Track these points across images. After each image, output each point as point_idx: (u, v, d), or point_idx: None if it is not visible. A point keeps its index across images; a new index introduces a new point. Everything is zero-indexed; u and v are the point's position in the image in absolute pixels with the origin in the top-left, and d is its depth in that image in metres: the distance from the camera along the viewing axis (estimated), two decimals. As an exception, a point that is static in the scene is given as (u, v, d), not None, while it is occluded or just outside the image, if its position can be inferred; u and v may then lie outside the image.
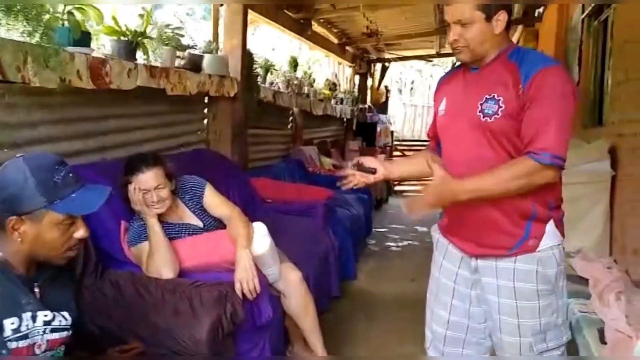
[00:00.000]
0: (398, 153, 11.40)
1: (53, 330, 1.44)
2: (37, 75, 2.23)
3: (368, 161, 2.01)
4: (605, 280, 2.87)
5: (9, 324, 1.33)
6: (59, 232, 1.43)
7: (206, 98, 4.35)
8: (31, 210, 1.37)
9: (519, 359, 1.81)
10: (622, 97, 3.50)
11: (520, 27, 7.72)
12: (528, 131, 1.67)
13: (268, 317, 2.41)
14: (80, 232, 1.48)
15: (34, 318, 1.39)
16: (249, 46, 4.66)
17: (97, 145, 3.07)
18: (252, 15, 4.77)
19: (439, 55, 9.75)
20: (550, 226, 1.77)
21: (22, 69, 2.17)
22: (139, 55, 3.10)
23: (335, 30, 7.65)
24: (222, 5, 4.45)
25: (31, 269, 1.46)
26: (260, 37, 6.58)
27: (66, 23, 2.47)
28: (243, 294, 2.31)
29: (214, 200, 2.65)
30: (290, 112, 6.66)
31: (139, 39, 3.02)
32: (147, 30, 3.11)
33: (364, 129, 9.61)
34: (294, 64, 6.39)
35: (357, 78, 9.87)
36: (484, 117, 1.72)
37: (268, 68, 5.38)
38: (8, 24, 2.14)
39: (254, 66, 4.84)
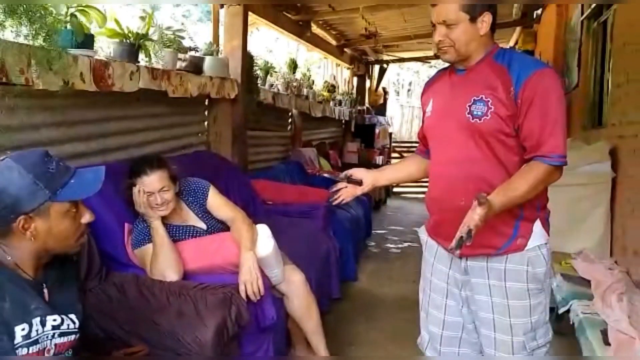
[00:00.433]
0: (396, 154, 11.43)
1: (61, 335, 1.43)
2: (40, 77, 2.23)
3: (357, 173, 2.08)
4: (607, 281, 2.88)
5: (20, 330, 1.33)
6: (68, 221, 1.43)
7: (207, 100, 4.35)
8: (37, 205, 1.36)
9: (515, 359, 1.83)
10: (622, 99, 3.51)
11: (518, 29, 7.75)
12: (532, 134, 1.70)
13: (272, 319, 2.41)
14: (87, 217, 1.49)
15: (43, 323, 1.38)
16: (248, 48, 4.66)
17: (99, 148, 3.07)
18: (251, 17, 4.77)
19: (437, 56, 9.74)
20: (538, 226, 1.80)
21: (25, 71, 2.17)
22: (141, 58, 3.10)
23: (334, 32, 7.65)
24: (222, 7, 4.45)
25: (39, 271, 1.46)
26: (258, 39, 6.57)
27: (69, 25, 2.46)
28: (247, 296, 2.31)
29: (217, 203, 2.65)
30: (290, 113, 6.66)
31: (141, 41, 3.02)
32: (149, 33, 3.11)
33: (363, 131, 9.61)
34: (293, 65, 6.39)
35: (355, 80, 9.87)
36: (472, 119, 1.74)
37: (268, 70, 5.38)
38: (12, 26, 2.13)
39: (254, 68, 4.84)
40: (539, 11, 6.96)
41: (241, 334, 2.31)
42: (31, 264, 1.42)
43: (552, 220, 1.87)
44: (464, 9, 1.71)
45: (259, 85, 4.99)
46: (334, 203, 2.10)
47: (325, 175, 6.19)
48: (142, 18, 3.14)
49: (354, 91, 9.64)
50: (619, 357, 2.20)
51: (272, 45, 7.99)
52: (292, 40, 6.64)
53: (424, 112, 1.97)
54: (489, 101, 1.72)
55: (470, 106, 1.74)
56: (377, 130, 9.83)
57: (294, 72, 6.37)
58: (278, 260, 2.60)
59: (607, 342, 2.30)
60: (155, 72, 3.14)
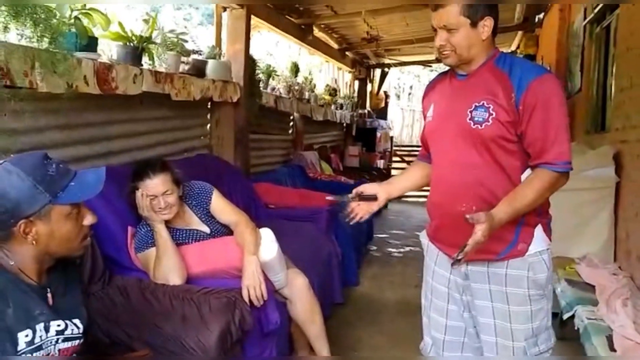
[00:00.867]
0: (397, 158, 11.43)
1: (65, 340, 1.42)
2: (44, 80, 2.22)
3: (368, 189, 2.02)
4: (612, 286, 2.87)
5: (23, 336, 1.31)
6: (71, 224, 1.42)
7: (209, 103, 4.35)
8: (37, 209, 1.35)
9: None
10: (626, 103, 3.51)
11: (520, 33, 7.75)
12: (536, 141, 1.69)
13: (275, 323, 2.40)
14: (89, 218, 1.47)
15: (47, 329, 1.37)
16: (250, 52, 4.66)
17: (103, 151, 3.06)
18: (254, 20, 4.77)
19: (438, 60, 9.74)
20: (539, 231, 1.80)
21: (29, 74, 2.16)
22: (144, 61, 3.09)
23: (335, 36, 7.66)
24: (225, 10, 4.45)
25: (42, 275, 1.44)
26: (258, 42, 6.57)
27: (73, 28, 2.45)
28: (250, 301, 2.30)
29: (221, 206, 2.64)
30: (291, 117, 6.66)
31: (145, 44, 3.02)
32: (152, 36, 3.11)
33: (364, 134, 9.62)
34: (295, 69, 6.39)
35: (356, 83, 9.88)
36: (474, 125, 1.73)
37: (270, 73, 5.38)
38: (17, 28, 2.12)
39: (256, 71, 4.84)
40: (541, 15, 6.97)
41: (244, 339, 2.29)
42: (34, 268, 1.41)
43: (555, 225, 1.86)
44: (465, 13, 1.70)
45: (261, 88, 4.98)
46: (350, 223, 2.03)
47: (330, 174, 6.12)
48: (146, 21, 3.14)
49: (355, 95, 9.65)
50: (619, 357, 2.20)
51: (273, 49, 8.00)
52: (294, 43, 6.64)
53: (425, 117, 1.97)
54: (490, 107, 1.71)
55: (471, 112, 1.74)
56: (378, 134, 9.83)
57: (295, 76, 6.37)
58: (282, 265, 2.59)
59: (612, 348, 2.29)
60: (158, 75, 3.14)
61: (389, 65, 10.22)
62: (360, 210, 2.01)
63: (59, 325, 1.40)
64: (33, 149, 2.50)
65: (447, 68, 1.95)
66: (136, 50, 2.97)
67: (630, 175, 3.36)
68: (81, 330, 1.48)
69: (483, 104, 1.72)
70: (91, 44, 2.57)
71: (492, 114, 1.70)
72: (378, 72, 10.55)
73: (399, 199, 10.07)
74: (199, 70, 3.80)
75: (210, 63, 3.93)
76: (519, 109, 1.68)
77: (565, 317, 2.84)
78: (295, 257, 2.86)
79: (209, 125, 4.46)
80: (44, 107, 2.57)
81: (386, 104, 11.04)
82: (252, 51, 4.74)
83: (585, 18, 4.77)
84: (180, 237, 2.53)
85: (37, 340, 1.34)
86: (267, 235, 2.56)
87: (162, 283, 2.32)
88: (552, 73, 1.82)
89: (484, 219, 1.60)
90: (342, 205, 2.05)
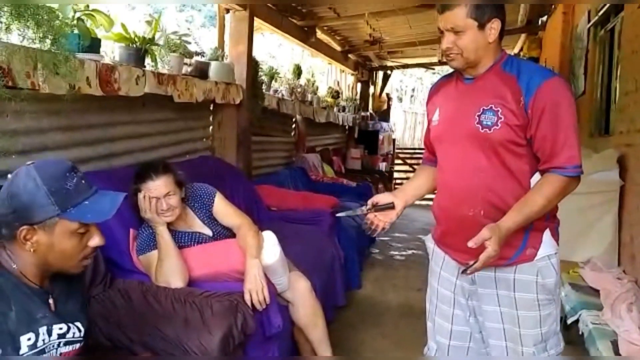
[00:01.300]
0: (399, 161, 11.42)
1: (67, 343, 1.41)
2: (46, 81, 2.21)
3: (382, 199, 1.99)
4: (616, 291, 2.85)
5: (26, 339, 1.30)
6: (73, 241, 1.39)
7: (211, 105, 4.34)
8: (43, 219, 1.34)
9: None
10: (630, 107, 3.49)
11: (523, 35, 7.74)
12: (545, 146, 1.68)
13: (278, 327, 2.38)
14: (96, 240, 1.44)
15: (49, 332, 1.36)
16: (253, 54, 4.65)
17: (105, 152, 3.05)
18: (256, 22, 4.76)
19: (441, 63, 9.74)
20: (547, 235, 1.78)
21: (31, 75, 2.15)
22: (147, 62, 3.08)
23: (338, 38, 7.65)
24: (227, 12, 4.44)
25: (45, 280, 1.43)
26: (260, 44, 6.57)
27: (76, 29, 2.44)
28: (252, 304, 2.28)
29: (223, 209, 2.62)
30: (294, 119, 6.65)
31: (147, 45, 3.01)
32: (155, 37, 3.10)
33: (366, 137, 9.59)
34: (298, 71, 6.38)
35: (359, 86, 9.86)
36: (482, 129, 1.71)
37: (272, 75, 5.37)
38: (19, 29, 2.11)
39: (259, 73, 4.83)
40: (545, 18, 6.95)
41: (247, 342, 2.27)
42: (36, 273, 1.40)
43: (559, 228, 1.85)
44: (472, 15, 1.69)
45: (263, 90, 4.97)
46: (374, 235, 2.01)
47: (332, 177, 6.10)
48: (149, 22, 3.13)
49: (358, 97, 9.63)
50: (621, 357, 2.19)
51: (275, 51, 8.00)
52: (297, 45, 6.63)
53: (430, 121, 1.95)
54: (498, 111, 1.69)
55: (479, 116, 1.72)
56: (381, 137, 9.82)
57: (298, 78, 6.36)
58: (284, 268, 2.57)
59: (617, 353, 2.28)
60: (161, 77, 3.13)
61: (391, 68, 10.20)
62: (379, 221, 1.97)
63: (60, 329, 1.39)
64: (35, 150, 2.50)
65: (450, 70, 1.93)
66: (139, 51, 2.96)
67: (635, 178, 3.34)
68: (82, 334, 1.47)
69: (492, 107, 1.70)
70: (94, 45, 2.55)
71: (501, 118, 1.68)
72: (380, 74, 10.53)
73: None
74: (201, 72, 3.79)
75: (213, 65, 3.92)
76: (528, 113, 1.66)
77: (569, 321, 2.82)
78: (297, 260, 2.84)
79: (211, 127, 4.44)
80: (46, 108, 2.56)
81: (389, 106, 11.04)
82: (255, 53, 4.73)
83: (589, 21, 4.75)
84: (183, 240, 2.52)
85: (39, 343, 1.33)
86: (269, 238, 2.55)
87: (164, 286, 2.30)
88: (560, 76, 1.81)
89: (488, 235, 1.58)
90: (359, 218, 2.02)
